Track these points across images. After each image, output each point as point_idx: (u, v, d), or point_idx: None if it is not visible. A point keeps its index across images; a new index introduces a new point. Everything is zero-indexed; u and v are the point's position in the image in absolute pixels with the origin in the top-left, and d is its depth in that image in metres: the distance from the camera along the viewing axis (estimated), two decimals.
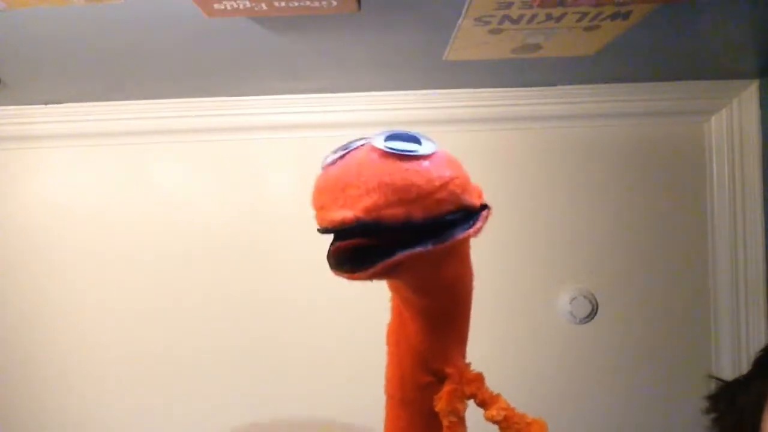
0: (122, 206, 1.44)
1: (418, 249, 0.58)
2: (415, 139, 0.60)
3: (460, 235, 0.61)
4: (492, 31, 0.96)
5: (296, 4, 0.83)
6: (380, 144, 0.58)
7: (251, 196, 1.45)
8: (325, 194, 0.59)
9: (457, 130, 1.43)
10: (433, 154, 0.59)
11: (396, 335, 0.72)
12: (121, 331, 1.43)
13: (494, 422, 0.68)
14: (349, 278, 0.60)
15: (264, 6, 0.83)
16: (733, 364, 1.44)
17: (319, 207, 0.60)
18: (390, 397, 0.73)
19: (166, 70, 1.18)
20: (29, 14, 0.86)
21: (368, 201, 0.54)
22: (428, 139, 0.61)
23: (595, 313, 1.44)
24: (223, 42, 1.03)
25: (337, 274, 0.62)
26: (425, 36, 1.02)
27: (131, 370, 1.43)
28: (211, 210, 1.44)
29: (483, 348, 1.44)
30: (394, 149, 0.57)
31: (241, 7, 0.83)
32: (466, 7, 0.87)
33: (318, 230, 0.60)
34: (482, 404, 0.69)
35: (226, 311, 1.44)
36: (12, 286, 1.43)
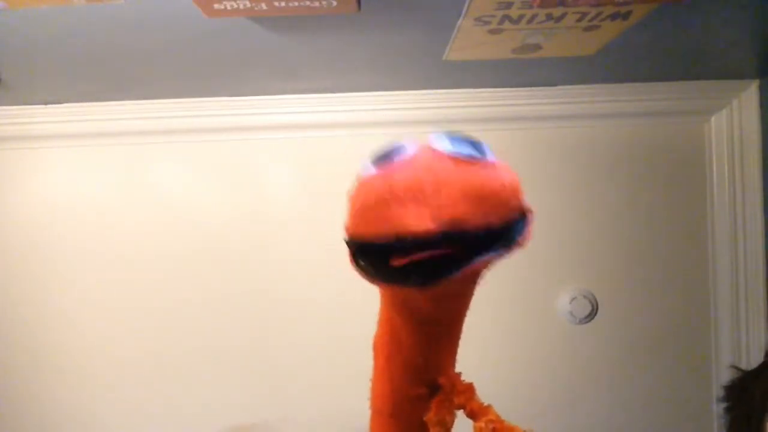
0: (122, 206, 1.44)
1: (493, 254, 0.55)
2: (473, 142, 0.56)
3: (521, 238, 0.58)
4: (492, 31, 0.96)
5: (296, 4, 0.83)
6: (446, 147, 0.53)
7: (251, 195, 1.45)
8: (391, 201, 0.51)
9: (457, 130, 1.43)
10: (491, 155, 0.56)
11: (387, 348, 0.69)
12: (120, 329, 1.43)
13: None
14: (420, 290, 0.55)
15: (264, 6, 0.83)
16: (733, 364, 1.44)
17: (382, 217, 0.52)
18: (377, 412, 0.71)
19: (166, 70, 1.18)
20: (29, 14, 0.86)
21: (453, 211, 0.50)
22: (481, 142, 0.57)
23: (595, 313, 1.44)
24: (223, 42, 1.03)
25: (394, 286, 0.57)
26: (425, 36, 1.02)
27: (131, 369, 1.43)
28: (211, 209, 1.44)
29: (483, 348, 1.45)
30: (464, 155, 0.53)
31: (241, 7, 0.83)
32: (466, 7, 0.87)
33: (392, 242, 0.52)
34: (471, 415, 0.67)
35: (225, 310, 1.43)
36: (12, 285, 1.43)
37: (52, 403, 1.43)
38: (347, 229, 0.55)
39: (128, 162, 1.44)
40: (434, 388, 0.67)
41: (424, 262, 0.52)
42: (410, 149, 0.54)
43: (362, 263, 0.56)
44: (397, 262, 0.53)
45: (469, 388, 0.68)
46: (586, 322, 1.45)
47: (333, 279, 1.43)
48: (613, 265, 1.46)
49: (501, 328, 1.44)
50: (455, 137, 0.55)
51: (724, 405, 0.77)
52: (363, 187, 0.54)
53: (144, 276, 1.43)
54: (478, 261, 0.54)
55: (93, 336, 1.43)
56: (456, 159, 0.53)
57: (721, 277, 1.46)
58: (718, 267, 1.46)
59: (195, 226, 1.44)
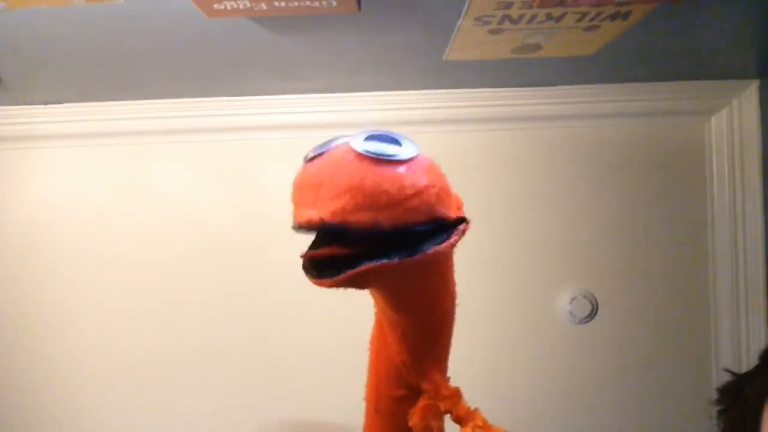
0: (122, 206, 1.44)
1: (383, 261, 0.55)
2: (396, 142, 0.58)
3: (431, 250, 0.57)
4: (492, 31, 0.96)
5: (296, 4, 0.83)
6: (358, 145, 0.56)
7: (251, 196, 1.45)
8: (298, 192, 0.59)
9: (457, 130, 1.43)
10: (412, 159, 0.57)
11: (376, 344, 0.71)
12: (120, 329, 1.43)
13: None
14: (315, 284, 0.59)
15: (264, 6, 0.83)
16: (733, 364, 1.44)
17: (294, 204, 0.60)
18: (367, 403, 0.72)
19: (166, 70, 1.18)
20: (29, 14, 0.86)
21: (336, 204, 0.53)
22: (411, 142, 0.58)
23: (595, 313, 1.44)
24: (223, 42, 1.03)
25: (307, 278, 0.61)
26: (425, 36, 1.02)
27: (130, 369, 1.43)
28: (211, 210, 1.44)
29: (483, 348, 1.45)
30: (370, 152, 0.55)
31: (241, 7, 0.83)
32: (466, 7, 0.87)
33: (292, 228, 0.61)
34: (458, 421, 0.67)
35: (225, 310, 1.44)
36: (12, 285, 1.43)
37: (51, 403, 1.43)
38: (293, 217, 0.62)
39: (128, 162, 1.44)
40: (417, 391, 0.67)
41: (324, 258, 0.58)
42: (331, 146, 0.58)
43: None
44: (301, 254, 0.61)
45: (455, 394, 0.68)
46: (586, 322, 1.45)
47: None
48: (613, 265, 1.46)
49: (501, 328, 1.44)
50: (375, 135, 0.58)
51: (718, 408, 0.77)
52: (294, 179, 0.62)
53: (144, 276, 1.43)
54: (367, 265, 0.56)
55: (93, 336, 1.43)
56: (362, 157, 0.55)
57: (721, 277, 1.46)
58: (718, 267, 1.46)
59: (195, 226, 1.44)
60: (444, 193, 0.59)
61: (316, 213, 0.54)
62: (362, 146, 0.56)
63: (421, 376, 0.67)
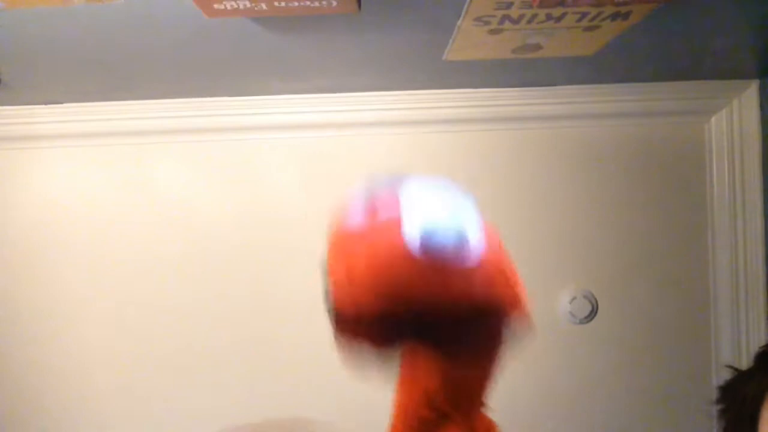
0: (122, 205, 1.44)
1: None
2: (458, 232, 0.54)
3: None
4: (492, 31, 0.96)
5: (296, 4, 0.83)
6: (416, 243, 0.51)
7: (251, 195, 1.45)
8: (339, 265, 0.55)
9: (457, 130, 1.43)
10: (479, 258, 0.55)
11: (404, 365, 0.69)
12: (120, 329, 1.43)
13: None
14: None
15: (264, 6, 0.83)
16: (732, 364, 1.44)
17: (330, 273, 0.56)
18: (393, 424, 0.71)
19: (166, 70, 1.18)
20: (29, 14, 0.86)
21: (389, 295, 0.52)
22: (472, 223, 0.55)
23: (595, 313, 1.44)
24: (223, 42, 1.03)
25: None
26: (425, 36, 1.02)
27: (130, 369, 1.43)
28: (211, 209, 1.44)
29: None
30: (436, 253, 0.52)
31: (241, 7, 0.83)
32: (466, 7, 0.87)
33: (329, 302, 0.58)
34: None
35: (225, 310, 1.43)
36: (12, 284, 1.43)
37: (51, 402, 1.43)
38: (329, 303, 0.61)
39: (128, 162, 1.44)
40: (447, 417, 0.66)
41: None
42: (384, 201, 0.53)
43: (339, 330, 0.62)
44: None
45: (491, 427, 0.67)
46: (586, 322, 1.45)
47: None
48: (613, 265, 1.46)
49: None
50: (431, 225, 0.52)
51: (718, 407, 0.76)
52: (337, 267, 0.58)
53: (144, 275, 1.43)
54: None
55: (93, 335, 1.43)
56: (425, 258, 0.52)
57: (721, 277, 1.46)
58: (718, 267, 1.46)
59: (194, 226, 1.44)
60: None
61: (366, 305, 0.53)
62: (425, 247, 0.51)
63: (455, 406, 0.67)
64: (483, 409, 0.69)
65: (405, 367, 0.69)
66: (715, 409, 0.77)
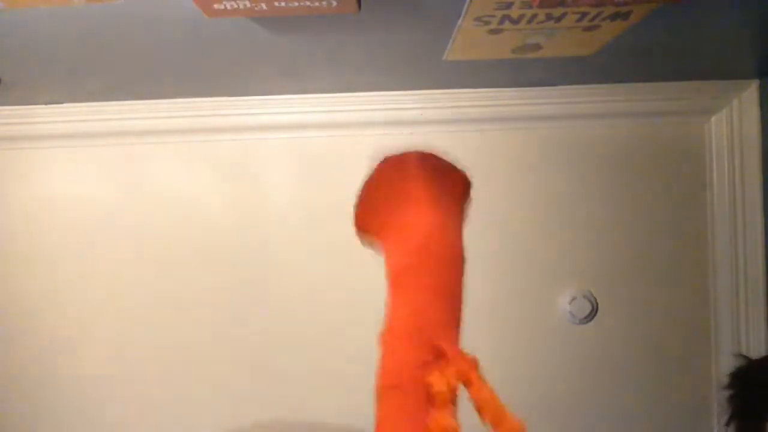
0: (122, 205, 1.44)
1: None
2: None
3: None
4: (492, 31, 0.96)
5: (296, 4, 0.83)
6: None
7: (251, 195, 1.45)
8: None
9: (457, 130, 1.43)
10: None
11: (394, 324, 0.73)
12: (120, 329, 1.43)
13: (475, 402, 0.69)
14: None
15: (264, 6, 0.83)
16: (733, 364, 1.44)
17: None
18: (386, 387, 0.73)
19: (166, 70, 1.18)
20: (29, 14, 0.86)
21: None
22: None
23: (595, 313, 1.44)
24: (223, 42, 1.03)
25: None
26: (425, 36, 1.02)
27: (130, 368, 1.43)
28: (211, 209, 1.44)
29: (483, 348, 1.45)
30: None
31: (241, 7, 0.83)
32: (466, 7, 0.87)
33: None
34: (468, 384, 0.70)
35: (224, 309, 1.44)
36: (12, 284, 1.43)
37: (51, 403, 1.43)
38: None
39: (128, 162, 1.44)
40: (437, 355, 0.69)
41: None
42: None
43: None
44: None
45: (473, 360, 0.72)
46: (586, 322, 1.45)
47: (333, 278, 1.43)
48: (613, 265, 1.46)
49: (501, 328, 1.44)
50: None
51: (728, 392, 0.77)
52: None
53: (144, 275, 1.43)
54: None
55: (93, 335, 1.43)
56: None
57: (721, 277, 1.46)
58: (718, 267, 1.46)
59: (195, 225, 1.44)
60: None
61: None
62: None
63: (444, 337, 0.71)
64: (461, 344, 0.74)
65: (390, 325, 0.73)
66: (723, 395, 0.77)
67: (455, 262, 0.74)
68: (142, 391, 1.43)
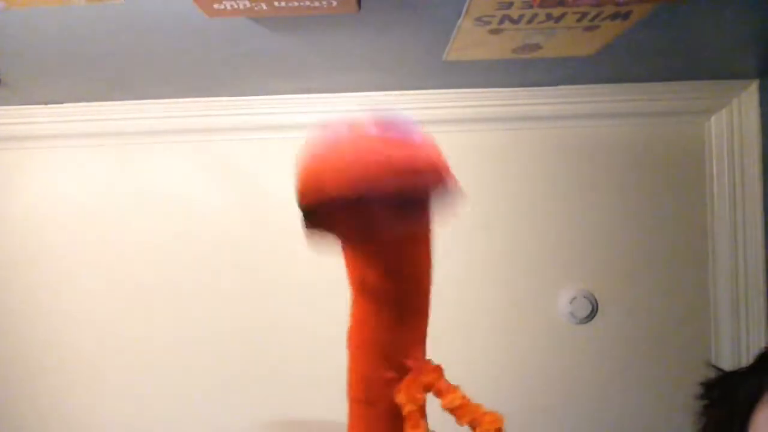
0: (122, 206, 1.44)
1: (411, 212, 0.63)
2: (400, 123, 0.65)
3: (448, 195, 0.66)
4: (492, 31, 0.96)
5: (296, 4, 0.83)
6: (373, 129, 0.62)
7: (251, 195, 1.45)
8: (322, 173, 0.64)
9: (457, 130, 1.43)
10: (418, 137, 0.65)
11: (358, 337, 0.73)
12: (121, 329, 1.43)
13: (449, 410, 0.69)
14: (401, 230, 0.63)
15: (264, 6, 0.83)
16: (733, 364, 1.44)
17: (314, 185, 0.65)
18: (353, 400, 0.73)
19: (166, 70, 1.18)
20: (29, 14, 0.87)
21: (367, 175, 0.59)
22: (408, 122, 0.66)
23: (595, 313, 1.44)
24: (223, 42, 1.03)
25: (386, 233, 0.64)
26: (425, 36, 1.02)
27: (130, 369, 1.43)
28: (211, 209, 1.44)
29: (483, 348, 1.45)
30: (387, 134, 0.62)
31: (241, 7, 0.83)
32: (466, 7, 0.87)
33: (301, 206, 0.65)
34: (438, 394, 0.71)
35: (224, 310, 1.44)
36: (12, 284, 1.43)
37: (50, 403, 1.43)
38: (297, 196, 0.66)
39: (128, 162, 1.44)
40: (403, 372, 0.70)
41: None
42: (345, 128, 0.64)
43: (309, 227, 0.66)
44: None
45: (437, 369, 0.71)
46: (586, 322, 1.45)
47: (333, 277, 1.42)
48: (613, 265, 1.46)
49: (501, 328, 1.44)
50: (386, 120, 0.63)
51: (702, 403, 0.76)
52: (306, 160, 0.67)
53: (144, 275, 1.43)
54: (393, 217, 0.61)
55: (93, 336, 1.43)
56: (379, 138, 0.61)
57: (721, 277, 1.46)
58: (718, 267, 1.46)
59: (195, 226, 1.44)
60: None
61: (348, 186, 0.58)
62: (377, 130, 0.62)
63: (406, 354, 0.70)
64: (428, 358, 0.73)
65: (355, 342, 0.73)
66: (697, 405, 0.76)
67: (424, 277, 0.71)
68: (141, 391, 1.43)
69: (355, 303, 0.73)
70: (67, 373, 1.43)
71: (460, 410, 0.69)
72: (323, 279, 1.43)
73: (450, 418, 0.69)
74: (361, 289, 0.71)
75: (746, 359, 1.42)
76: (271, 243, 1.44)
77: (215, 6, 0.83)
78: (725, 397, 0.72)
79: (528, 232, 1.45)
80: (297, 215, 0.65)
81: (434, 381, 0.70)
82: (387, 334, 0.70)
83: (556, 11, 0.88)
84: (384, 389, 0.70)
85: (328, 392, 1.41)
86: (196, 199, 1.45)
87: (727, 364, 1.43)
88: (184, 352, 1.43)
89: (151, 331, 1.43)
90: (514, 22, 0.92)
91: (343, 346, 1.45)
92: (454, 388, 0.70)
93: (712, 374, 0.78)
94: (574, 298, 1.43)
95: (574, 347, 1.45)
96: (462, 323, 1.41)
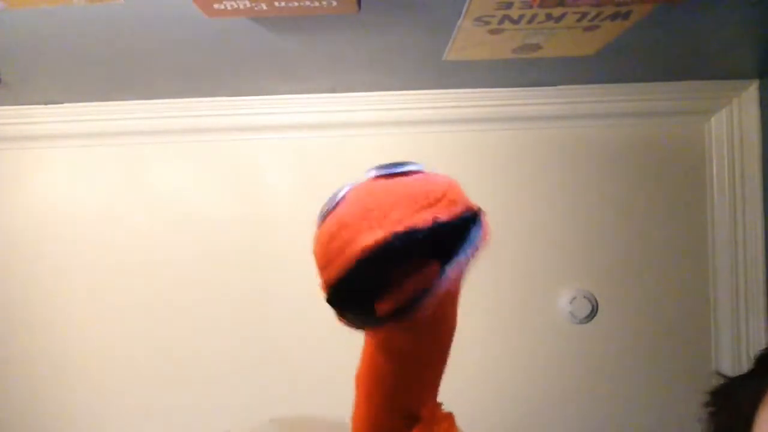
0: (122, 206, 1.44)
1: (459, 259, 0.57)
2: (402, 162, 0.60)
3: (480, 233, 0.60)
4: (492, 31, 0.96)
5: (296, 4, 0.83)
6: (375, 173, 0.57)
7: (251, 195, 1.45)
8: (343, 231, 0.55)
9: (457, 130, 1.43)
10: (423, 168, 0.60)
11: (367, 386, 0.69)
12: (121, 330, 1.43)
13: None
14: (405, 322, 0.57)
15: (264, 6, 0.83)
16: (733, 364, 1.44)
17: (338, 249, 0.55)
18: None
19: (166, 70, 1.18)
20: (29, 14, 0.87)
21: (395, 214, 0.52)
22: (404, 162, 0.60)
23: (595, 313, 1.44)
24: (223, 42, 1.03)
25: (384, 329, 0.59)
26: (425, 36, 1.02)
27: (130, 370, 1.43)
28: (211, 209, 1.44)
29: (483, 348, 1.45)
30: (389, 171, 0.57)
31: (241, 7, 0.83)
32: (466, 7, 0.87)
33: (334, 286, 0.57)
34: None
35: (224, 310, 1.44)
36: (12, 285, 1.43)
37: (50, 404, 1.43)
38: (322, 285, 0.59)
39: (128, 162, 1.45)
40: (414, 419, 0.67)
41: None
42: (345, 189, 0.58)
43: (349, 316, 0.59)
44: (382, 308, 0.56)
45: (449, 418, 0.67)
46: (586, 322, 1.45)
47: None
48: (613, 265, 1.46)
49: (501, 328, 1.44)
50: (382, 165, 0.58)
51: (708, 410, 0.76)
52: (318, 239, 0.59)
53: (144, 275, 1.43)
54: (449, 271, 0.56)
55: (93, 336, 1.43)
56: (388, 176, 0.57)
57: (721, 277, 1.46)
58: (718, 267, 1.46)
59: (195, 226, 1.44)
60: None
61: (380, 231, 0.51)
62: (378, 172, 0.57)
63: (420, 403, 0.67)
64: (439, 403, 0.69)
65: (365, 389, 0.69)
66: (704, 413, 0.76)
67: (450, 336, 0.67)
68: (143, 390, 1.43)
69: (370, 353, 0.68)
70: (67, 374, 1.43)
71: None
72: None
73: None
74: (380, 347, 0.66)
75: (746, 359, 1.42)
76: (271, 243, 1.44)
77: (215, 6, 0.83)
78: (728, 403, 0.72)
79: (528, 233, 1.45)
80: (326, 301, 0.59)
81: (446, 430, 0.66)
82: (401, 389, 0.66)
83: (556, 11, 0.88)
84: None
85: (328, 392, 1.42)
86: (195, 199, 1.45)
87: (728, 364, 1.44)
88: (185, 352, 1.43)
89: (150, 329, 1.43)
90: (514, 22, 0.92)
91: (343, 349, 1.45)
92: None
93: (716, 382, 0.78)
94: (574, 298, 1.43)
95: (574, 347, 1.45)
96: (462, 323, 1.41)
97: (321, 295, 0.59)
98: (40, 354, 1.43)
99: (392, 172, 0.57)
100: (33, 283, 1.43)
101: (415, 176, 0.57)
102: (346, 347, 1.44)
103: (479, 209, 0.61)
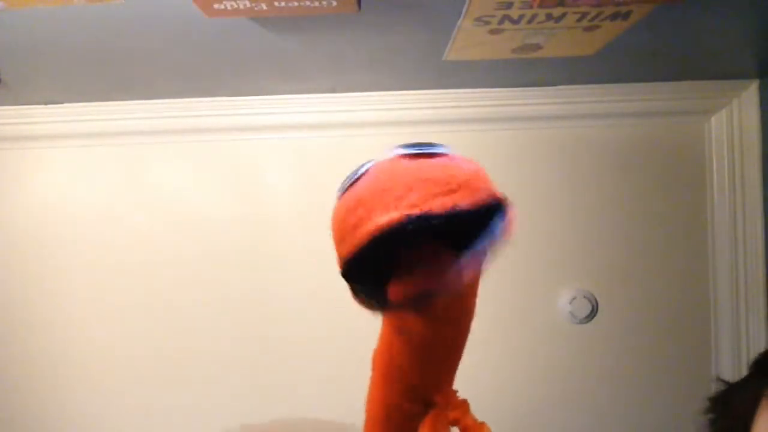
0: (122, 206, 1.44)
1: (477, 248, 0.56)
2: (430, 143, 0.58)
3: (503, 225, 0.59)
4: (492, 31, 0.96)
5: (296, 4, 0.83)
6: (401, 152, 0.56)
7: (251, 195, 1.45)
8: (360, 208, 0.54)
9: (457, 130, 1.43)
10: (450, 151, 0.58)
11: (384, 367, 0.68)
12: (120, 330, 1.43)
13: None
14: (421, 311, 0.56)
15: (264, 6, 0.83)
16: (733, 365, 1.44)
17: (353, 226, 0.54)
18: (371, 418, 0.70)
19: (165, 70, 1.18)
20: (29, 14, 0.87)
21: (413, 197, 0.52)
22: (435, 143, 0.59)
23: (595, 313, 1.44)
24: (223, 42, 1.03)
25: (398, 313, 0.58)
26: (425, 36, 1.02)
27: (131, 370, 1.43)
28: (211, 209, 1.44)
29: (483, 348, 1.45)
30: (416, 150, 0.55)
31: (241, 7, 0.83)
32: (466, 7, 0.87)
33: (346, 262, 0.55)
34: (464, 430, 0.67)
35: (224, 310, 1.44)
36: (12, 285, 1.43)
37: (50, 404, 1.43)
38: (339, 261, 0.57)
39: (128, 162, 1.44)
40: (429, 404, 0.67)
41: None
42: (369, 165, 0.57)
43: (364, 296, 0.59)
44: (393, 293, 0.56)
45: (464, 404, 0.68)
46: (586, 322, 1.45)
47: (333, 278, 1.43)
48: (613, 265, 1.46)
49: (501, 328, 1.44)
50: (409, 144, 0.57)
51: (708, 416, 0.76)
52: (335, 212, 0.57)
53: (144, 275, 1.43)
54: (466, 259, 0.56)
55: (93, 337, 1.43)
56: (413, 156, 0.55)
57: (721, 277, 1.46)
58: (718, 267, 1.46)
59: (195, 226, 1.44)
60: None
61: (395, 212, 0.50)
62: (405, 150, 0.56)
63: (436, 389, 0.67)
64: (455, 390, 0.69)
65: (381, 371, 0.68)
66: (704, 419, 0.76)
67: (468, 323, 0.67)
68: (142, 389, 1.43)
69: (387, 337, 0.67)
70: (67, 374, 1.43)
71: None
72: (325, 279, 1.43)
73: None
74: (399, 331, 0.65)
75: (746, 359, 1.42)
76: (271, 243, 1.44)
77: (215, 6, 0.83)
78: (727, 408, 0.72)
79: (528, 233, 1.45)
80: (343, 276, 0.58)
81: (460, 417, 0.66)
82: (416, 372, 0.65)
83: (556, 11, 0.88)
84: (405, 421, 0.67)
85: (328, 392, 1.42)
86: (195, 199, 1.45)
87: (728, 364, 1.44)
88: (186, 351, 1.43)
89: (151, 330, 1.43)
90: (514, 22, 0.92)
91: (343, 349, 1.46)
92: (480, 425, 0.67)
93: (717, 387, 0.78)
94: (574, 298, 1.43)
95: (574, 347, 1.45)
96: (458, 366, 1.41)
97: (337, 269, 0.59)
98: (40, 354, 1.43)
99: (418, 152, 0.56)
100: (33, 283, 1.43)
101: (440, 159, 0.56)
102: (347, 347, 1.44)
103: (505, 199, 0.60)
